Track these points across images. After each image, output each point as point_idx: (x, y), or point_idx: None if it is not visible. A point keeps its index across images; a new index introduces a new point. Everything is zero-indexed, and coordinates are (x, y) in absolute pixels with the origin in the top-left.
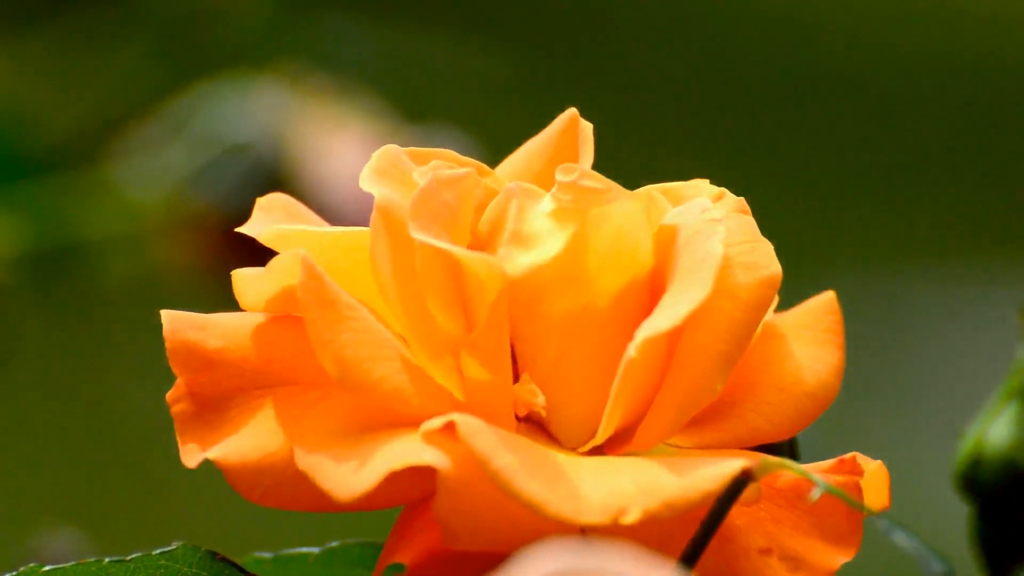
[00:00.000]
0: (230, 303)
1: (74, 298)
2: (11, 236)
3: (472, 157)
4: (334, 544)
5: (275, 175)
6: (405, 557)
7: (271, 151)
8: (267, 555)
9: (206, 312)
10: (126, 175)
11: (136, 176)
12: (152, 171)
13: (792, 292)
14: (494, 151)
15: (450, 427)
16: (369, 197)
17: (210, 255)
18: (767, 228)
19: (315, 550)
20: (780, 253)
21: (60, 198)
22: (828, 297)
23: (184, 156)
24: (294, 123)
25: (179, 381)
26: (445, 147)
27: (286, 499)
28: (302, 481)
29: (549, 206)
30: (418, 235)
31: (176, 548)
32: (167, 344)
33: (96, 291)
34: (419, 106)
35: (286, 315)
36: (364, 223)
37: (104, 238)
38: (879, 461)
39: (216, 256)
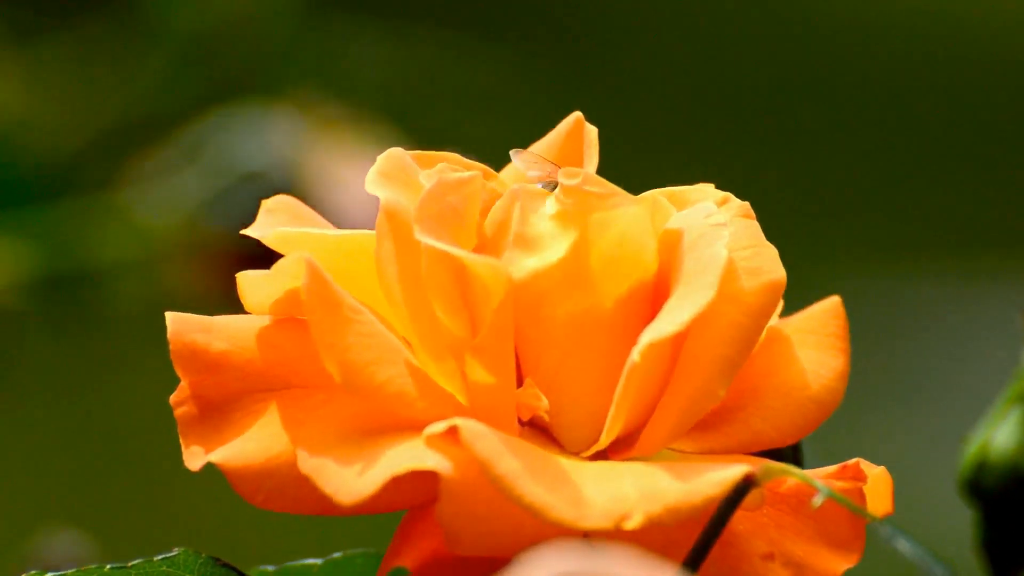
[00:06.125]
0: None
1: (85, 323)
2: (23, 261)
3: None
4: (337, 555)
5: None
6: (408, 561)
7: (284, 179)
8: (270, 568)
9: None
10: (139, 201)
11: (149, 202)
12: (165, 197)
13: (794, 295)
14: None
15: (453, 431)
16: None
17: (222, 282)
18: (768, 231)
19: (318, 561)
20: (782, 256)
21: (73, 223)
22: (833, 302)
23: (197, 183)
24: (307, 151)
25: (183, 383)
26: None
27: (289, 503)
28: (305, 485)
29: (553, 209)
30: (423, 238)
31: (177, 554)
32: (171, 346)
33: (107, 316)
34: (433, 134)
35: (290, 318)
36: None
37: (116, 264)
38: (882, 467)
39: (228, 283)
